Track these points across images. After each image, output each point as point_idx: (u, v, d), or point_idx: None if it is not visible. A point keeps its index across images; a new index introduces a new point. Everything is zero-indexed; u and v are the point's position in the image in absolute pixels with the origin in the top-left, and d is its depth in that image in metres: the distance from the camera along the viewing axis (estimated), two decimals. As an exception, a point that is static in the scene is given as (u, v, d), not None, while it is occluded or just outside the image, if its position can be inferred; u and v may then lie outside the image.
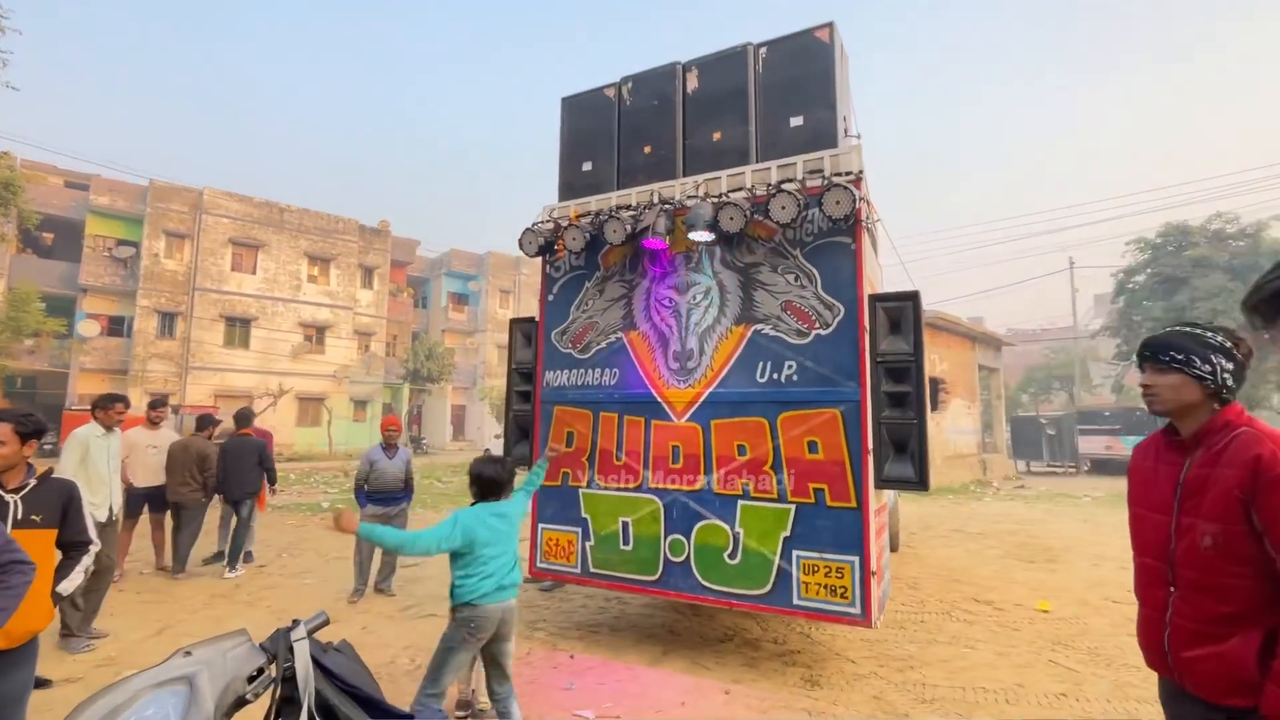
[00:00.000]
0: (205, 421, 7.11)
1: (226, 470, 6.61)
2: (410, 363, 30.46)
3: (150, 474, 6.47)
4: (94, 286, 25.01)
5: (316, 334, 28.81)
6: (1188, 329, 1.73)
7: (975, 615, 5.48)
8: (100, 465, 4.89)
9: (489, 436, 30.30)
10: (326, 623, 1.50)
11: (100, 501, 4.82)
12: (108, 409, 5.01)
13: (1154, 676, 4.11)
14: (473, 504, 3.11)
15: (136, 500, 6.43)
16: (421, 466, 19.83)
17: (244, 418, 7.12)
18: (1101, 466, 21.72)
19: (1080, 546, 8.66)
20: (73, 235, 25.91)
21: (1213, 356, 1.66)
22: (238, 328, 26.64)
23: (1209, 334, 1.69)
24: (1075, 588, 6.44)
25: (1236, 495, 1.55)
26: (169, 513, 6.55)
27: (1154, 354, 1.76)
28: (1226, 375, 1.65)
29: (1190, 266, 19.23)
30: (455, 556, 2.95)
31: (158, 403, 6.78)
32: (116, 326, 25.61)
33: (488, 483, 3.09)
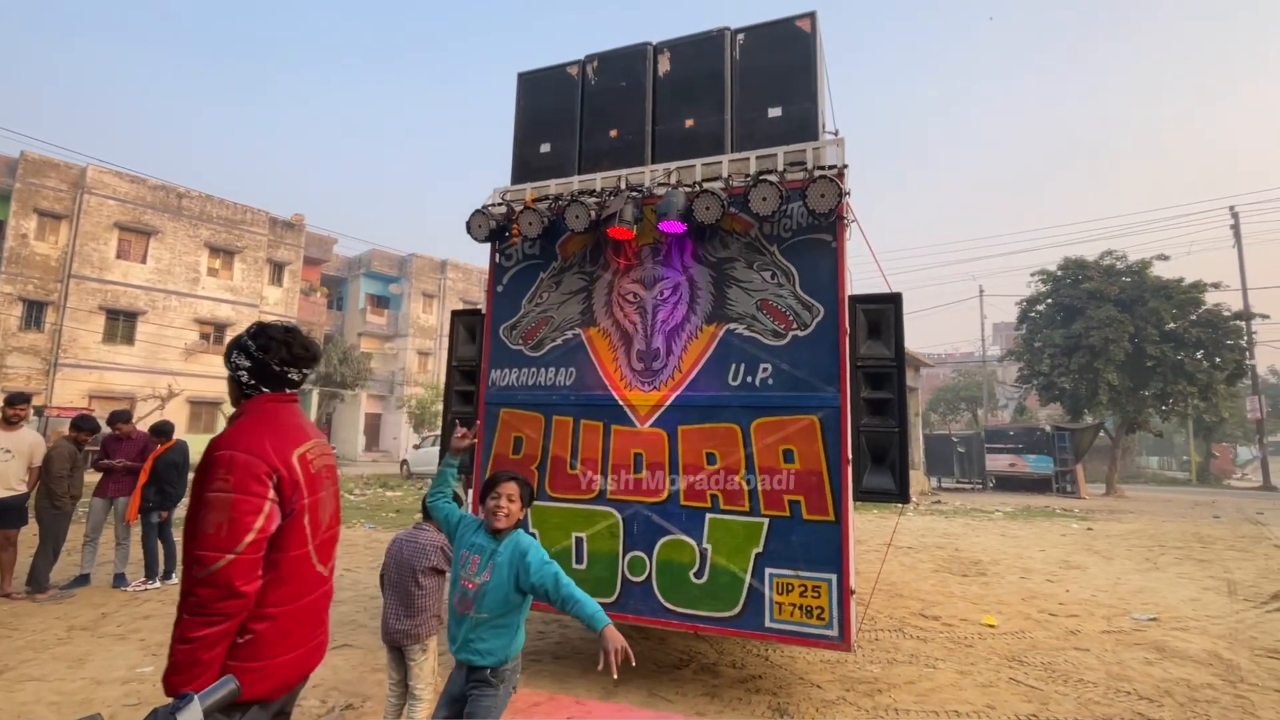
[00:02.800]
0: (84, 423, 6.23)
1: (179, 477, 6.31)
2: (321, 366, 28.48)
3: (1, 483, 5.43)
4: (-56, 268, 21.86)
5: (215, 332, 26.39)
6: (243, 332, 1.82)
7: (927, 631, 5.38)
8: None
9: (406, 447, 28.67)
10: (236, 693, 1.02)
11: None
12: None
13: (1117, 692, 4.06)
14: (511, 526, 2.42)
15: (-20, 513, 5.38)
16: (331, 478, 18.33)
17: (165, 430, 6.56)
18: (1006, 483, 23.06)
19: (1005, 560, 8.91)
20: (-80, 208, 22.59)
21: (234, 354, 1.78)
22: (121, 322, 23.97)
23: (244, 334, 1.81)
24: (1012, 601, 6.52)
25: None
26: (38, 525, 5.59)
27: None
28: (242, 372, 1.76)
29: (1085, 298, 20.88)
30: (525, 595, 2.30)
31: (16, 398, 5.75)
32: (-30, 315, 22.45)
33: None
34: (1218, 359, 20.01)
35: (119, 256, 24.13)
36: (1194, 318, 20.18)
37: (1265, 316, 22.33)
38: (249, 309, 27.28)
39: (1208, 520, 14.61)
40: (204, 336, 25.98)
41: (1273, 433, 42.63)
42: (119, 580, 6.01)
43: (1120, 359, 19.75)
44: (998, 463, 23.30)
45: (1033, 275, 23.31)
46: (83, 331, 22.87)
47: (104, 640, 4.63)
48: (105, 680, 3.88)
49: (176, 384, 23.32)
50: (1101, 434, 23.82)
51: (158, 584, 6.10)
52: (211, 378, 25.66)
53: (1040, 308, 22.96)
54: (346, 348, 29.61)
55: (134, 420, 6.65)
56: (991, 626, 5.56)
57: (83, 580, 5.98)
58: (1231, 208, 28.86)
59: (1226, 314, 20.28)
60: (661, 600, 3.84)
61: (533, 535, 4.18)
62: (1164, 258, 21.38)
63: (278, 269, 29.24)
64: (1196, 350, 20.04)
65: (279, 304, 28.98)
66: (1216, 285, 20.73)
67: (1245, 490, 28.84)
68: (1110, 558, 9.27)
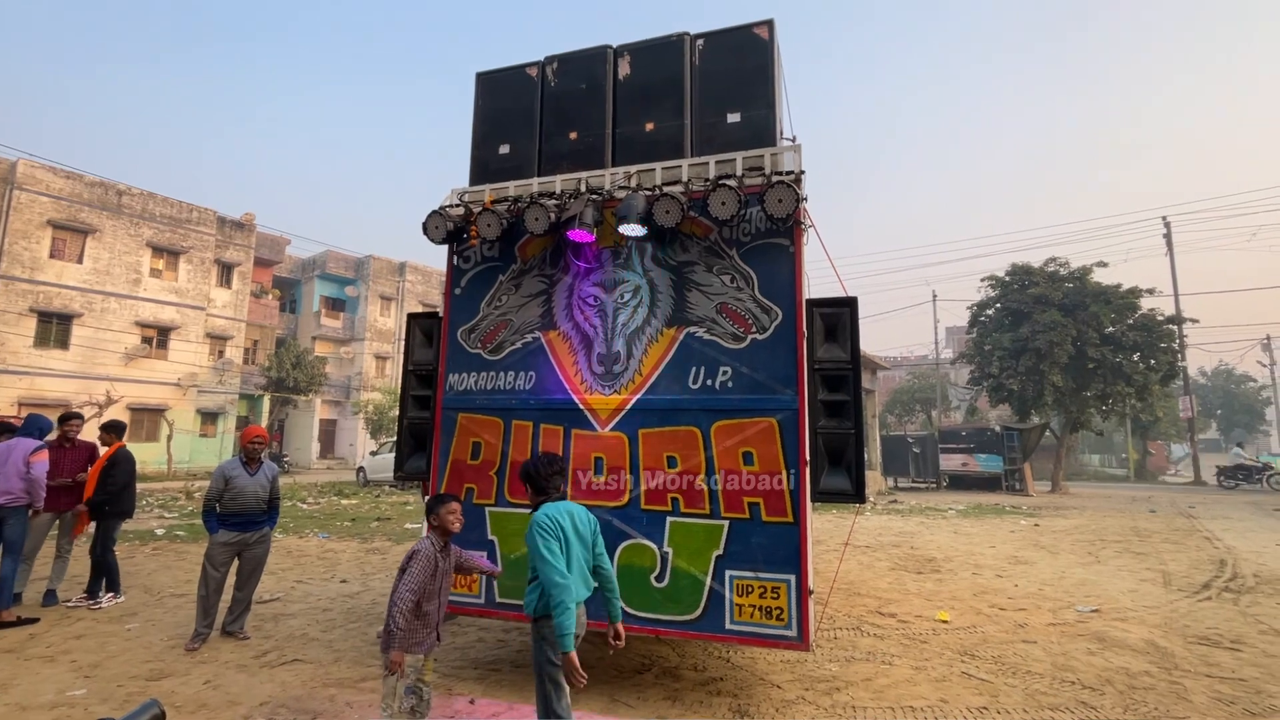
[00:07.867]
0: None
1: (130, 482, 6.02)
2: (273, 371, 27.57)
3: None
4: None
5: (158, 336, 25.27)
6: None
7: (883, 629, 5.49)
8: None
9: (363, 454, 27.94)
10: (160, 718, 0.95)
11: None
12: None
13: (1062, 682, 4.19)
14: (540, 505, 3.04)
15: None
16: (284, 487, 17.72)
17: (119, 429, 6.18)
18: (958, 482, 23.77)
19: (958, 557, 9.17)
20: None
21: None
22: (54, 325, 22.74)
23: None
24: (964, 596, 6.71)
25: None
26: None
27: None
28: None
29: (1032, 303, 21.70)
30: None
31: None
32: (-115, 317, 20.98)
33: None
34: (1152, 361, 21.02)
35: (53, 256, 22.89)
36: (1130, 322, 21.18)
37: (1195, 321, 23.59)
38: (195, 311, 26.23)
39: (1145, 514, 15.34)
40: (146, 340, 24.84)
41: (1202, 431, 45.12)
42: (49, 597, 5.67)
43: (1064, 361, 20.58)
44: (951, 462, 24.00)
45: (983, 280, 24.15)
46: (12, 335, 21.61)
47: (31, 663, 4.35)
48: (31, 705, 3.65)
49: (115, 390, 22.23)
50: (1047, 433, 24.77)
51: (122, 597, 5.88)
52: (154, 383, 24.57)
53: (990, 312, 23.75)
54: (300, 352, 28.72)
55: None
56: (945, 622, 5.71)
57: (12, 599, 5.60)
58: (1164, 218, 30.48)
59: (1160, 318, 21.35)
60: (623, 605, 3.81)
61: (492, 541, 4.13)
62: (1103, 264, 22.39)
63: (226, 270, 28.19)
64: (1133, 353, 21.02)
65: (228, 306, 27.96)
66: (1151, 291, 21.81)
67: (1178, 485, 30.39)
68: (1056, 552, 9.64)
